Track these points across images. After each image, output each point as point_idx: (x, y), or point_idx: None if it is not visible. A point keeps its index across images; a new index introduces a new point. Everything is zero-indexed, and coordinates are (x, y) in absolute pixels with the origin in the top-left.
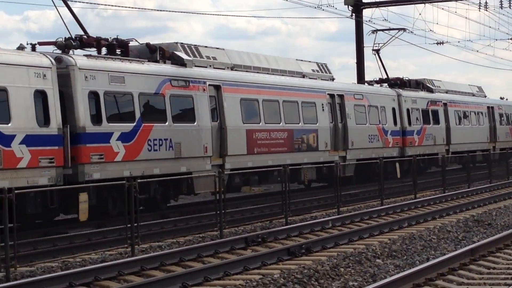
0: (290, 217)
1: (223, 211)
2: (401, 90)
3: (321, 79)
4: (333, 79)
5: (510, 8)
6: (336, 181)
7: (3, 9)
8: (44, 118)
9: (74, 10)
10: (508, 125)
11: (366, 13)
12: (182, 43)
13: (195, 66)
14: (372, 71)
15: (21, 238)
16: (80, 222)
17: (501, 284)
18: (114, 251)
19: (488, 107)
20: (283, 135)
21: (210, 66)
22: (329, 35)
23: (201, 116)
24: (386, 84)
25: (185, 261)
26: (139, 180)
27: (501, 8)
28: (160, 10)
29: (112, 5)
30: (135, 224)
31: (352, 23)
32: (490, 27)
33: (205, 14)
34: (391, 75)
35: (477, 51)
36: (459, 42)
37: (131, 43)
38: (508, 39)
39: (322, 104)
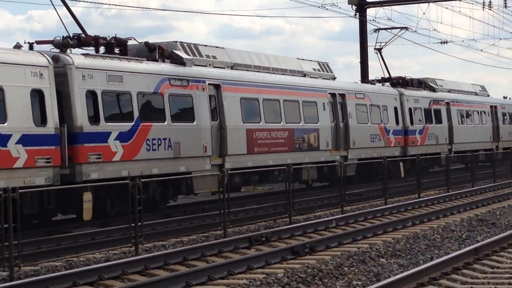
0: (294, 216)
1: (226, 211)
2: (403, 89)
3: (322, 78)
4: (334, 78)
5: None
6: (339, 180)
7: (7, 8)
8: (41, 118)
9: (78, 9)
10: (511, 124)
11: (370, 12)
12: (181, 42)
13: (195, 65)
14: (376, 71)
15: (25, 238)
16: (84, 222)
17: (505, 283)
18: (118, 250)
19: (491, 107)
20: (284, 134)
21: (210, 65)
22: (333, 35)
23: (201, 115)
24: (388, 83)
25: (189, 261)
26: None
27: (505, 7)
28: (164, 10)
29: (115, 5)
30: (139, 224)
31: (356, 23)
32: (494, 26)
33: (209, 13)
34: (395, 74)
35: (481, 50)
36: (463, 41)
37: (130, 42)
38: None
39: (323, 104)
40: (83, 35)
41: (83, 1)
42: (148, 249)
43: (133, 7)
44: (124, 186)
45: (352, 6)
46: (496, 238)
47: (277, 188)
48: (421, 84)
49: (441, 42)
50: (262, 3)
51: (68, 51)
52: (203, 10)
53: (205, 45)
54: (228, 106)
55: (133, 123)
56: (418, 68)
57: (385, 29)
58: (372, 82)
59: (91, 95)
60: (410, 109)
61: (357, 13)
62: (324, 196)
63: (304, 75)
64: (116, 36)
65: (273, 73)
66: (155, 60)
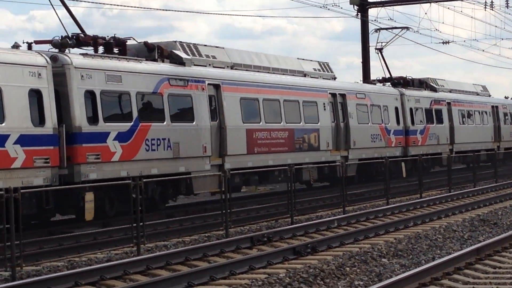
0: (296, 216)
1: (228, 211)
2: (404, 89)
3: (323, 78)
4: (335, 78)
5: None
6: (341, 180)
7: (9, 8)
8: (39, 118)
9: (80, 10)
10: None
11: (372, 12)
12: (181, 41)
13: (194, 65)
14: (378, 71)
15: (27, 238)
16: (85, 222)
17: (507, 283)
18: (119, 251)
19: (492, 107)
20: (284, 134)
21: (209, 65)
22: (335, 35)
23: (200, 115)
24: (389, 83)
25: (190, 261)
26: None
27: (507, 8)
28: (166, 10)
29: (117, 5)
30: (141, 224)
31: (357, 23)
32: (496, 26)
33: (211, 13)
34: (396, 75)
35: (483, 50)
36: (464, 41)
37: (129, 42)
38: None
39: (324, 104)
40: (82, 35)
41: (84, 1)
42: (150, 249)
43: (134, 7)
44: (123, 186)
45: (353, 6)
46: (498, 238)
47: (279, 188)
48: (422, 84)
49: (443, 42)
50: (263, 3)
51: (67, 51)
52: (205, 10)
53: (205, 45)
54: (228, 106)
55: (132, 123)
56: (420, 68)
57: (386, 29)
58: (373, 82)
59: (90, 95)
60: (411, 109)
61: (359, 13)
62: (326, 196)
63: (305, 75)
64: (115, 36)
65: (273, 73)
66: (155, 60)
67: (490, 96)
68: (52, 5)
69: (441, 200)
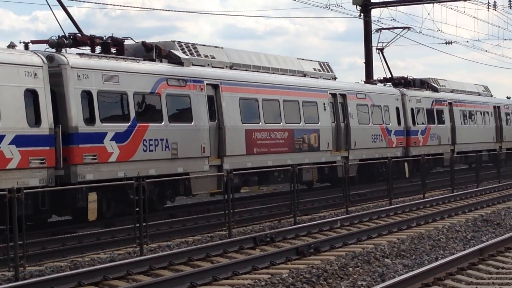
0: (299, 216)
1: (231, 211)
2: (405, 89)
3: (323, 78)
4: (335, 78)
5: None
6: (344, 181)
7: (12, 9)
8: (35, 118)
9: (83, 10)
10: None
11: (375, 13)
12: (179, 41)
13: (193, 65)
14: (381, 71)
15: (30, 238)
16: (88, 222)
17: (510, 283)
18: (122, 251)
19: (494, 107)
20: (284, 135)
21: (208, 65)
22: (338, 35)
23: (199, 115)
24: (390, 83)
25: (193, 261)
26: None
27: (510, 8)
28: (168, 10)
29: (120, 5)
30: (144, 224)
31: (360, 23)
32: (499, 26)
33: (213, 14)
34: (399, 75)
35: (486, 51)
36: (467, 41)
37: (127, 42)
38: None
39: (324, 104)
40: (79, 35)
41: (87, 2)
42: (153, 249)
43: (137, 7)
44: (120, 187)
45: (356, 7)
46: (501, 239)
47: (282, 189)
48: (424, 84)
49: (446, 43)
50: (266, 4)
51: (64, 51)
52: (207, 10)
53: (204, 45)
54: (227, 106)
55: (129, 123)
56: (423, 68)
57: (387, 28)
58: (374, 82)
59: (87, 95)
60: (412, 110)
61: (362, 14)
62: (328, 196)
63: (305, 75)
64: (113, 35)
65: (273, 73)
66: (152, 60)
67: (492, 96)
68: (49, 5)
69: (444, 200)
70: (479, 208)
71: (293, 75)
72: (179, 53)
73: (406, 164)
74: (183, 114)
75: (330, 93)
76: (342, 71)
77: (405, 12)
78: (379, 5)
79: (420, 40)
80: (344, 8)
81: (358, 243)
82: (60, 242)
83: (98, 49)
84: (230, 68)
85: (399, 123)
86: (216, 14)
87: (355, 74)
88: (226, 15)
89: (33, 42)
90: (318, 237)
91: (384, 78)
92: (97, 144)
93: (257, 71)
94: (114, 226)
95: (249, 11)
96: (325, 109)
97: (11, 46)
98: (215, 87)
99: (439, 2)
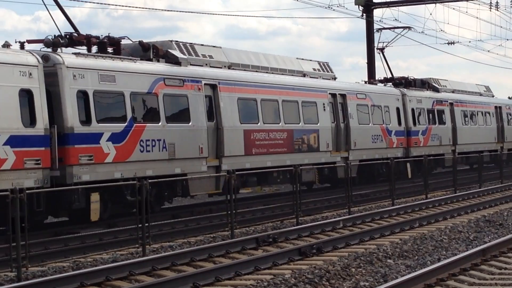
0: (301, 217)
1: (234, 211)
2: (405, 89)
3: (323, 78)
4: (335, 78)
5: None
6: (346, 181)
7: (14, 9)
8: (30, 118)
9: (85, 10)
10: None
11: (377, 13)
12: (177, 41)
13: (191, 64)
14: (383, 71)
15: (32, 238)
16: (91, 222)
17: None
18: (125, 251)
19: (495, 107)
20: (283, 135)
21: (206, 64)
22: (340, 35)
23: (196, 116)
24: (391, 83)
25: (196, 261)
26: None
27: None
28: (170, 10)
29: (122, 5)
30: (146, 224)
31: (362, 23)
32: (501, 27)
33: (216, 14)
34: (402, 75)
35: (488, 51)
36: (470, 42)
37: (124, 41)
38: None
39: (323, 104)
40: (75, 34)
41: (89, 2)
42: (155, 249)
43: (139, 7)
44: (116, 188)
45: (358, 7)
46: (503, 239)
47: (284, 189)
48: (424, 84)
49: (448, 43)
50: (268, 4)
51: (60, 50)
52: (209, 11)
53: (202, 45)
54: (225, 107)
55: (126, 124)
56: (425, 69)
57: (387, 28)
58: (374, 82)
59: (83, 95)
60: (412, 110)
61: (364, 14)
62: (331, 197)
63: (304, 75)
64: (109, 35)
65: (272, 73)
66: (150, 59)
67: (493, 96)
68: (45, 5)
69: (447, 201)
70: (481, 208)
71: (292, 75)
72: (176, 52)
73: (408, 165)
74: (180, 115)
75: (329, 93)
76: (344, 71)
77: (407, 12)
78: (381, 5)
79: (422, 40)
80: (346, 8)
81: (360, 244)
82: (63, 243)
83: (94, 49)
84: (229, 68)
85: (399, 123)
86: (218, 14)
87: (358, 75)
88: (228, 15)
89: (29, 41)
90: (320, 238)
91: (384, 78)
92: (93, 145)
93: (256, 71)
94: (116, 227)
95: (251, 11)
96: (324, 109)
97: (6, 45)
98: (213, 87)
99: (441, 2)
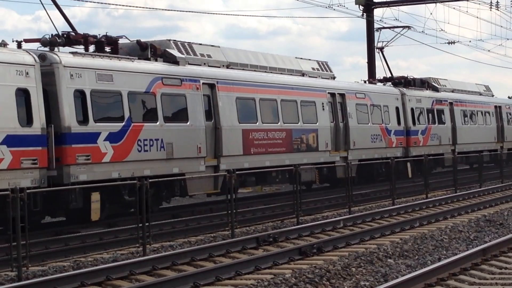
0: (302, 216)
1: (234, 211)
2: (405, 89)
3: (322, 78)
4: (334, 78)
5: None
6: (347, 181)
7: (15, 9)
8: (26, 118)
9: (85, 10)
10: None
11: (377, 12)
12: (175, 40)
13: (189, 64)
14: (383, 71)
15: (33, 238)
16: (91, 222)
17: None
18: (125, 251)
19: (495, 107)
20: (281, 135)
21: (204, 64)
22: (340, 35)
23: (195, 115)
24: (390, 83)
25: (196, 261)
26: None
27: None
28: (171, 10)
29: (123, 5)
30: (147, 224)
31: (363, 23)
32: (501, 26)
33: (216, 13)
34: (402, 75)
35: (489, 50)
36: (470, 41)
37: (122, 41)
38: None
39: (322, 103)
40: (72, 33)
41: (90, 1)
42: (155, 249)
43: (140, 7)
44: (113, 188)
45: (359, 7)
46: (504, 239)
47: (284, 189)
48: (424, 84)
49: (448, 43)
50: (269, 4)
51: (57, 50)
52: (210, 10)
53: (200, 44)
54: (223, 106)
55: (123, 123)
56: (425, 68)
57: (386, 28)
58: (373, 82)
59: (80, 95)
60: (412, 109)
61: (364, 14)
62: (331, 196)
63: (303, 75)
64: (107, 34)
65: (271, 72)
66: (147, 59)
67: (493, 96)
68: (42, 4)
69: (447, 200)
70: (482, 208)
71: (291, 74)
72: (174, 52)
73: (409, 164)
74: (178, 114)
75: (328, 93)
76: (344, 71)
77: (408, 12)
78: (381, 5)
79: (422, 40)
80: (347, 8)
81: (361, 243)
82: (63, 242)
83: (92, 48)
84: (227, 67)
85: (399, 123)
86: (219, 14)
87: (358, 74)
88: (229, 15)
89: (26, 40)
90: (321, 237)
91: (384, 77)
92: (91, 144)
93: (255, 71)
94: (117, 226)
95: (251, 11)
96: (323, 109)
97: (3, 44)
98: (212, 86)
99: (441, 2)
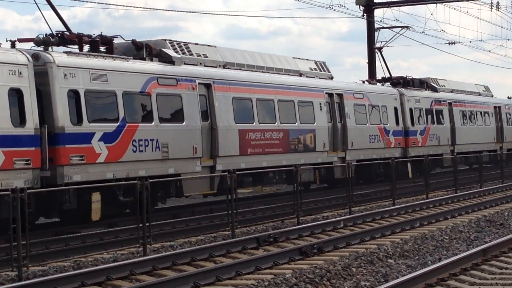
0: (302, 217)
1: (234, 211)
2: (403, 89)
3: (319, 78)
4: (332, 78)
5: None
6: (347, 181)
7: (15, 9)
8: (19, 118)
9: (85, 10)
10: None
11: (378, 13)
12: (170, 40)
13: (185, 64)
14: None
15: (33, 238)
16: (92, 222)
17: None
18: (126, 251)
19: (495, 107)
20: (278, 135)
21: (200, 64)
22: (341, 35)
23: (190, 115)
24: (389, 83)
25: (197, 261)
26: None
27: None
28: (171, 10)
29: (123, 5)
30: (147, 224)
31: (363, 23)
32: (502, 27)
33: (216, 14)
34: (402, 75)
35: (489, 51)
36: (470, 42)
37: (117, 40)
38: None
39: (320, 104)
40: (66, 33)
41: (90, 2)
42: (156, 249)
43: (140, 7)
44: (108, 189)
45: (359, 7)
46: (504, 239)
47: (285, 189)
48: (423, 84)
49: (449, 43)
50: (269, 4)
51: (51, 49)
52: (210, 10)
53: (196, 44)
54: (220, 106)
55: (118, 123)
56: (426, 69)
57: (385, 28)
58: (372, 82)
59: (74, 95)
60: (410, 110)
61: (365, 14)
62: (332, 196)
63: (300, 75)
64: (102, 34)
65: (268, 72)
66: (143, 58)
67: (492, 96)
68: (37, 4)
69: (448, 200)
70: (482, 208)
71: (288, 74)
72: (170, 51)
73: (409, 165)
74: (174, 114)
75: (326, 93)
76: (345, 71)
77: (408, 12)
78: (382, 5)
79: (423, 40)
80: (347, 9)
81: (361, 244)
82: (64, 242)
83: (87, 48)
84: (223, 67)
85: (397, 123)
86: (219, 14)
87: (358, 74)
88: (229, 15)
89: (20, 40)
90: (321, 238)
91: (382, 77)
92: (85, 145)
93: (252, 70)
94: (117, 226)
95: (252, 11)
96: (321, 109)
97: None
98: (208, 86)
99: (442, 2)
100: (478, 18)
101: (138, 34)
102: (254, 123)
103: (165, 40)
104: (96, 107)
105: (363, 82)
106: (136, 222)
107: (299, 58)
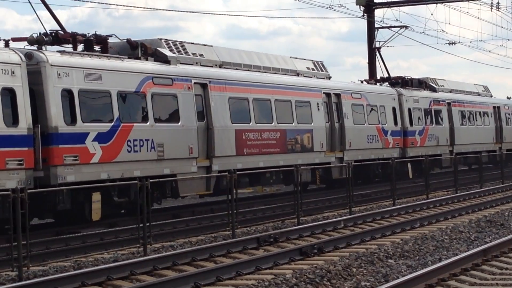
0: (302, 217)
1: (235, 211)
2: (402, 89)
3: (317, 78)
4: (329, 78)
5: None
6: (348, 181)
7: (15, 9)
8: (12, 118)
9: (86, 10)
10: None
11: (378, 13)
12: (166, 39)
13: (180, 63)
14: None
15: (34, 238)
16: (92, 222)
17: None
18: (126, 251)
19: (494, 107)
20: (275, 135)
21: (196, 63)
22: (341, 35)
23: (186, 115)
24: (387, 83)
25: (197, 261)
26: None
27: None
28: (171, 10)
29: (123, 5)
30: (147, 224)
31: (363, 23)
32: (502, 27)
33: (217, 14)
34: (402, 75)
35: (489, 51)
36: (471, 42)
37: (112, 40)
38: None
39: (318, 103)
40: (60, 32)
41: (90, 1)
42: (156, 249)
43: (140, 7)
44: (104, 190)
45: (360, 7)
46: (505, 239)
47: (285, 189)
48: (422, 84)
49: (449, 43)
50: (269, 4)
51: (44, 48)
52: (210, 10)
53: (192, 43)
54: (216, 106)
55: (112, 123)
56: (426, 69)
57: (384, 27)
58: (370, 82)
59: (67, 94)
60: (409, 110)
61: (365, 14)
62: (332, 197)
63: (298, 74)
64: (96, 33)
65: (265, 72)
66: (138, 58)
67: (492, 96)
68: (31, 4)
69: (448, 201)
70: (482, 208)
71: (285, 74)
72: (165, 51)
73: (409, 165)
74: (169, 114)
75: (324, 93)
76: (345, 71)
77: (409, 12)
78: (382, 5)
79: (423, 40)
80: (348, 9)
81: (361, 244)
82: (64, 242)
83: (81, 47)
84: (220, 66)
85: (395, 123)
86: (219, 14)
87: (359, 75)
88: (229, 15)
89: (14, 39)
90: (321, 238)
91: (381, 77)
92: (79, 145)
93: (248, 70)
94: (117, 226)
95: (252, 11)
96: (318, 109)
97: None
98: (204, 86)
99: (442, 2)
100: (478, 18)
101: (138, 34)
102: (250, 123)
103: (160, 39)
104: (90, 107)
105: (362, 82)
106: (136, 222)
107: (296, 58)
